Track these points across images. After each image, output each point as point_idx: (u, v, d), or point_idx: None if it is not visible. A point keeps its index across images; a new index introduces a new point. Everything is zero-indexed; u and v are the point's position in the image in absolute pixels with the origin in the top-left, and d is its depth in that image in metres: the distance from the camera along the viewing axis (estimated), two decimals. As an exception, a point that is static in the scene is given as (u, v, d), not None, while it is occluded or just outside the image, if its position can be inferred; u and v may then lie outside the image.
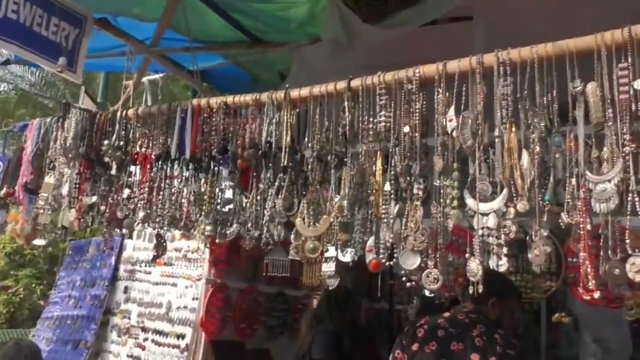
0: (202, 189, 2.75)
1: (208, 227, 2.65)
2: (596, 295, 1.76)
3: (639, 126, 1.79)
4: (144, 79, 5.61)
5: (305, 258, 2.35)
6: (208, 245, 3.82)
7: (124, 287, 5.14)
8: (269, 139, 2.57)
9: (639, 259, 1.71)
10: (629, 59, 1.83)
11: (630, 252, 1.74)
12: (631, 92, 1.81)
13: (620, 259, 1.76)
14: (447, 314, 2.58)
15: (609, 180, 1.79)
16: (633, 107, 1.80)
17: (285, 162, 2.49)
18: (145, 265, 5.01)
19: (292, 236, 2.42)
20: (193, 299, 4.52)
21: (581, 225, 1.81)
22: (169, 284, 4.75)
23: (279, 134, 2.55)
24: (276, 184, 2.50)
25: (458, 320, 2.51)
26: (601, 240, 1.79)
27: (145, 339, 4.68)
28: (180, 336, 4.44)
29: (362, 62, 3.49)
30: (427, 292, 2.59)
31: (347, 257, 2.43)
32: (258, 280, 4.82)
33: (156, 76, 5.79)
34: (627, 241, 1.75)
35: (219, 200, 2.70)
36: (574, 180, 1.87)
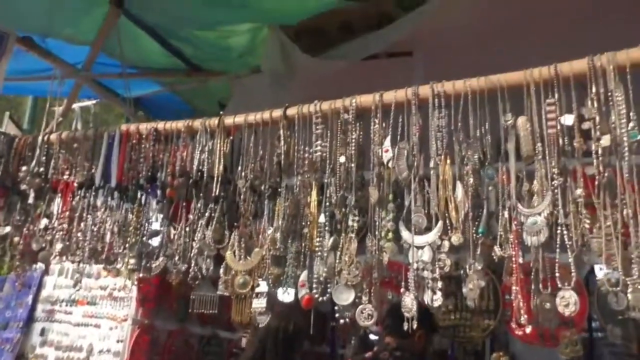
0: (127, 220, 2.64)
1: (132, 261, 2.54)
2: (528, 330, 1.78)
3: (567, 161, 1.86)
4: (75, 106, 5.45)
5: (235, 294, 2.28)
6: (135, 283, 3.68)
7: (41, 329, 4.81)
8: (200, 167, 2.53)
9: (567, 293, 1.76)
10: (556, 95, 1.92)
11: (560, 285, 1.78)
12: (558, 127, 1.89)
13: (551, 293, 1.80)
14: (369, 354, 2.55)
15: (539, 213, 1.84)
16: (560, 142, 1.87)
17: (217, 191, 2.45)
18: (66, 305, 4.73)
19: (221, 270, 2.34)
20: (117, 341, 4.28)
21: (513, 259, 1.85)
22: (91, 325, 4.49)
23: (211, 162, 2.52)
24: (206, 214, 2.44)
25: None
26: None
27: (63, 387, 4.38)
28: (102, 383, 4.19)
29: (302, 94, 3.50)
30: (371, 334, 2.59)
31: (288, 296, 2.38)
32: (190, 322, 4.64)
33: (88, 103, 5.64)
34: (557, 275, 1.79)
35: (144, 232, 2.60)
36: (506, 213, 1.91)
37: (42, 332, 4.80)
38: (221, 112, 2.65)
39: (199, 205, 2.49)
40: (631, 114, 1.78)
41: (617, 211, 1.74)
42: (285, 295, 2.34)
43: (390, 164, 2.13)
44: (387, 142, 2.16)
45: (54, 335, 4.70)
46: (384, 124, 2.21)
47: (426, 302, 1.95)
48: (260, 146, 2.45)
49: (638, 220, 1.71)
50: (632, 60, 1.82)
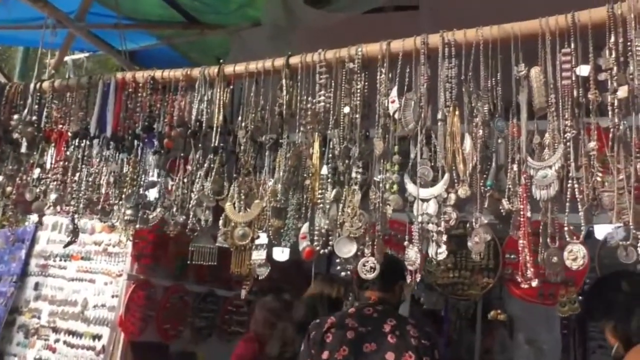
0: (124, 170, 2.59)
1: (128, 212, 2.49)
2: (534, 283, 1.75)
3: (581, 112, 1.80)
4: (67, 58, 5.31)
5: (234, 245, 2.24)
6: (131, 239, 3.64)
7: (35, 283, 4.81)
8: (199, 117, 2.46)
9: (576, 246, 1.73)
10: (572, 45, 1.85)
11: (568, 239, 1.75)
12: (573, 78, 1.82)
13: (559, 247, 1.77)
14: (352, 310, 2.54)
15: (550, 167, 1.80)
16: (575, 93, 1.81)
17: (216, 142, 2.39)
18: (60, 260, 4.72)
19: (220, 222, 2.30)
20: (112, 296, 4.29)
21: (521, 212, 1.81)
22: (86, 280, 4.49)
23: (210, 112, 2.45)
24: (205, 165, 2.39)
25: (365, 316, 2.48)
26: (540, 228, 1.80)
27: (57, 341, 4.40)
28: (97, 337, 4.20)
29: (303, 48, 3.41)
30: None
31: (283, 254, 2.36)
32: (186, 279, 4.65)
33: (81, 55, 5.49)
34: (566, 229, 1.76)
35: (141, 183, 2.55)
36: (515, 167, 1.87)
37: (36, 287, 4.81)
38: (221, 61, 2.56)
39: (197, 156, 2.43)
40: (650, 64, 1.72)
41: (630, 165, 1.69)
42: (280, 253, 2.32)
43: (396, 116, 2.07)
44: (394, 93, 2.10)
45: (47, 289, 4.71)
46: (390, 74, 2.14)
47: (430, 255, 1.92)
48: (261, 96, 2.38)
49: (653, 173, 1.67)
50: (654, 8, 1.74)
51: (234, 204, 2.29)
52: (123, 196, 2.53)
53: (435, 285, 3.30)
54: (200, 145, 2.43)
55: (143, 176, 2.56)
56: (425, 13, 3.28)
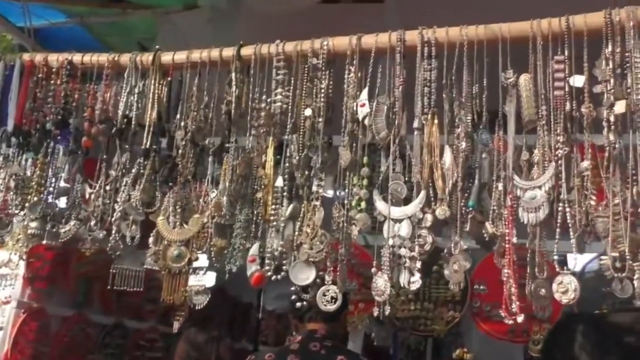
0: (28, 173, 2.46)
1: (33, 224, 2.36)
2: (519, 319, 1.79)
3: (574, 128, 1.87)
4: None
5: (167, 268, 2.17)
6: (24, 258, 3.45)
7: None
8: (127, 113, 2.39)
9: (567, 278, 1.78)
10: (566, 52, 1.92)
11: (558, 270, 1.81)
12: (566, 89, 1.89)
13: (546, 278, 1.82)
14: (295, 344, 2.50)
15: (540, 187, 1.85)
16: (568, 106, 1.88)
17: (148, 143, 2.34)
18: None
19: (150, 239, 2.22)
20: (-4, 328, 4.03)
21: (507, 238, 1.85)
22: (-37, 307, 4.20)
23: (141, 107, 2.39)
24: (133, 171, 2.31)
25: (312, 352, 2.46)
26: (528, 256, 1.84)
27: None
28: (-24, 378, 3.93)
29: (251, 38, 3.39)
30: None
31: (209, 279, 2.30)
32: (90, 307, 4.45)
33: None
34: (555, 258, 1.81)
35: (51, 189, 2.43)
36: (500, 185, 1.91)
37: None
38: (157, 47, 2.49)
39: (124, 159, 2.35)
40: (649, 78, 1.81)
41: (627, 188, 1.77)
42: (204, 278, 2.26)
43: (366, 121, 2.08)
44: (364, 95, 2.11)
45: None
46: (360, 74, 2.15)
47: (402, 285, 1.92)
48: (205, 91, 2.35)
49: (650, 198, 1.75)
50: (653, 18, 1.84)
51: (168, 218, 2.23)
52: (26, 205, 2.40)
53: (394, 319, 3.32)
54: (127, 146, 2.37)
55: (53, 181, 2.44)
56: (391, 6, 3.33)
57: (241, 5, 3.49)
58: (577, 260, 3.03)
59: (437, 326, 3.27)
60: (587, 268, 3.26)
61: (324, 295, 2.01)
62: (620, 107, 1.81)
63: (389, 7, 3.35)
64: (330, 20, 3.48)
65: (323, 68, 2.19)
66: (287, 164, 2.15)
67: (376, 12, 3.41)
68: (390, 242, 1.95)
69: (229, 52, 2.33)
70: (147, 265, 2.22)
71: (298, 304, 2.07)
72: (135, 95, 2.39)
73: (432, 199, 1.96)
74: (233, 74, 2.29)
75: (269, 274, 2.07)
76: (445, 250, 1.95)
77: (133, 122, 2.37)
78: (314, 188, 2.09)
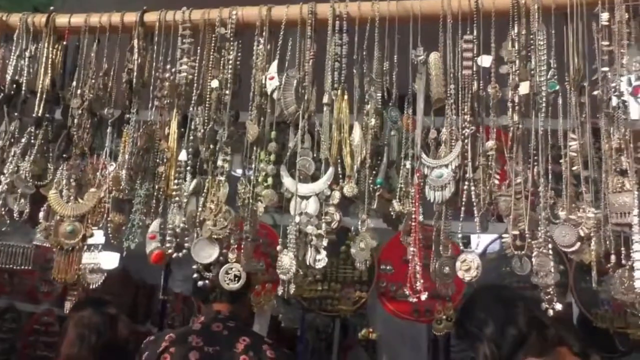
0: None
1: None
2: (423, 297, 1.80)
3: (481, 107, 1.89)
4: None
5: (59, 245, 2.03)
6: None
7: None
8: (17, 78, 2.23)
9: (470, 255, 1.80)
10: (475, 32, 1.93)
11: (462, 248, 1.83)
12: (474, 69, 1.91)
13: (451, 256, 1.84)
14: (198, 325, 2.46)
15: (446, 165, 1.86)
16: (475, 86, 1.90)
17: (40, 111, 2.19)
18: None
19: (41, 214, 2.08)
20: None
21: (413, 216, 1.85)
22: None
23: (33, 73, 2.24)
24: (23, 141, 2.16)
25: (214, 333, 2.41)
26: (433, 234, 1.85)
27: None
28: None
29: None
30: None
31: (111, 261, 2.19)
32: (-23, 289, 4.19)
33: None
34: (460, 236, 1.83)
35: None
36: (408, 163, 1.91)
37: None
38: (51, 8, 2.31)
39: (12, 128, 2.18)
40: (551, 61, 1.85)
41: (529, 168, 1.81)
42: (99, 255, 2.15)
43: (274, 95, 2.02)
44: (273, 68, 2.05)
45: None
46: (270, 46, 2.09)
47: (308, 263, 1.89)
48: (104, 58, 2.21)
49: (549, 178, 1.79)
50: (557, 1, 1.88)
51: (61, 191, 2.09)
52: None
53: (301, 300, 3.29)
54: (16, 114, 2.20)
55: None
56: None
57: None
58: (480, 241, 3.12)
59: (344, 306, 3.27)
60: (488, 249, 3.37)
61: (227, 273, 1.95)
62: (524, 88, 1.84)
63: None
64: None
65: (231, 38, 2.11)
66: (191, 138, 2.06)
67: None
68: (297, 219, 1.91)
69: (131, 17, 2.20)
70: (37, 241, 2.09)
71: (200, 283, 1.99)
72: (26, 60, 2.22)
73: (341, 176, 1.93)
74: (135, 41, 2.17)
75: (170, 251, 1.98)
76: (352, 229, 1.93)
77: (23, 88, 2.20)
78: (219, 163, 2.02)
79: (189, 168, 2.04)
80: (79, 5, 3.55)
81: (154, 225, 2.02)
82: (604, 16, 1.83)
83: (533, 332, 2.17)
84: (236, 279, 1.95)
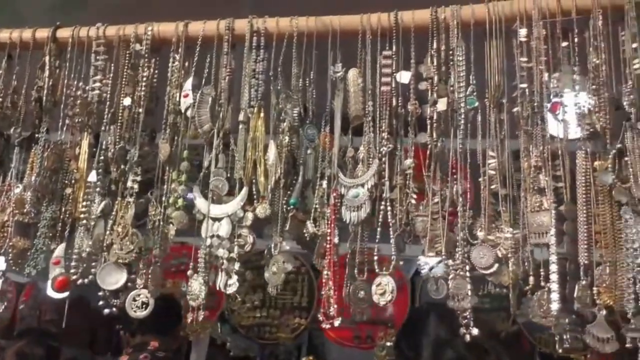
0: None
1: None
2: (336, 323, 1.71)
3: (399, 125, 1.83)
4: None
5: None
6: None
7: None
8: None
9: (385, 279, 1.72)
10: (394, 48, 1.88)
11: (377, 271, 1.74)
12: (393, 85, 1.85)
13: (367, 280, 1.75)
14: (125, 356, 2.34)
15: (362, 185, 1.78)
16: (394, 102, 1.84)
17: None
18: None
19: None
20: None
21: (328, 238, 1.77)
22: None
23: None
24: None
25: None
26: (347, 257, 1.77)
27: None
28: None
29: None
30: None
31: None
32: None
33: None
34: (376, 258, 1.75)
35: None
36: (325, 183, 1.83)
37: None
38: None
39: None
40: (471, 77, 1.80)
41: (446, 187, 1.74)
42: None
43: (189, 113, 1.94)
44: (188, 85, 1.97)
45: None
46: (186, 63, 2.02)
47: (218, 288, 1.79)
48: (14, 75, 2.13)
49: (467, 198, 1.73)
50: (476, 17, 1.84)
51: (-41, 215, 1.97)
52: None
53: (239, 327, 3.18)
54: None
55: None
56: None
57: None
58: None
59: (283, 334, 3.16)
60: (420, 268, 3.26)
61: (134, 300, 1.84)
62: (442, 104, 1.79)
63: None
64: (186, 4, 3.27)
65: (147, 55, 2.03)
66: (101, 157, 1.96)
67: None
68: (208, 242, 1.82)
69: (43, 33, 2.12)
70: None
71: (106, 310, 1.87)
72: None
73: (255, 196, 1.84)
74: (47, 58, 2.08)
75: (75, 277, 1.87)
76: (265, 252, 1.84)
77: None
78: (129, 184, 1.92)
79: (98, 189, 1.94)
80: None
81: (59, 250, 1.92)
82: (522, 32, 1.79)
83: (472, 357, 2.09)
84: (144, 306, 1.84)
